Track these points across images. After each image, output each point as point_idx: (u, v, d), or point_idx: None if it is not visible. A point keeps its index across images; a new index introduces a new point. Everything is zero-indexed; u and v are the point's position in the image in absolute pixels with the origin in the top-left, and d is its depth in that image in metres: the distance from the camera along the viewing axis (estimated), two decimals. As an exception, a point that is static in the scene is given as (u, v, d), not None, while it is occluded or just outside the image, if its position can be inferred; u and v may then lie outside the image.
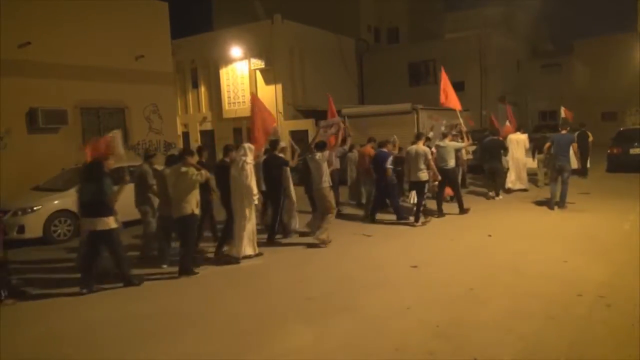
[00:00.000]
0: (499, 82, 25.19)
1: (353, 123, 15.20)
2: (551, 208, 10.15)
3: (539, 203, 11.01)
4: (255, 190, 7.32)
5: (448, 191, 10.86)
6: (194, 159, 7.04)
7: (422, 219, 9.50)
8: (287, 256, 7.76)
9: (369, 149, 10.65)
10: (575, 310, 4.86)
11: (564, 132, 10.67)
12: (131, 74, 14.56)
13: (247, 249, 7.46)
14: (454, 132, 11.22)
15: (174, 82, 18.83)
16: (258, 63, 21.24)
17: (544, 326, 4.53)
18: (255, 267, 7.22)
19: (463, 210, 10.24)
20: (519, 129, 13.39)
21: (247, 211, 7.33)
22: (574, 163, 10.74)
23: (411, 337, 4.44)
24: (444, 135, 10.71)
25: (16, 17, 12.09)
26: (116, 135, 6.95)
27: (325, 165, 8.34)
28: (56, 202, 9.61)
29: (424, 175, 9.37)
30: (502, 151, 12.22)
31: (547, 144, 10.86)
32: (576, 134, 12.88)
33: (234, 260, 7.31)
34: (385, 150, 9.91)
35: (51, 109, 12.55)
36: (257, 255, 7.58)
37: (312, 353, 4.28)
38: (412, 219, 9.56)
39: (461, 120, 11.23)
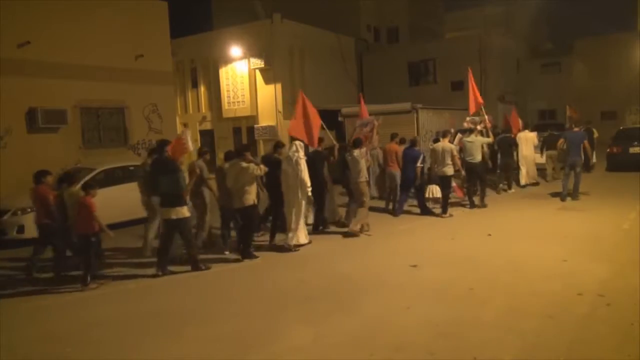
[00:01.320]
0: (498, 82, 25.17)
1: (353, 123, 15.17)
2: (563, 200, 10.91)
3: (544, 198, 11.08)
4: (309, 183, 7.90)
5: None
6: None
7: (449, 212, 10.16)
8: (288, 256, 7.76)
9: (395, 146, 10.81)
10: (575, 310, 4.86)
11: (576, 130, 11.56)
12: (131, 74, 14.55)
13: (301, 238, 8.03)
14: (479, 128, 11.67)
15: (174, 81, 18.80)
16: (257, 62, 21.21)
17: (544, 325, 4.53)
18: (256, 267, 7.22)
19: (473, 205, 10.81)
20: (526, 127, 14.14)
21: (300, 202, 7.92)
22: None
23: (411, 337, 4.44)
24: (471, 131, 11.31)
25: (16, 17, 12.08)
26: (185, 132, 7.59)
27: (363, 162, 8.88)
28: (56, 201, 9.59)
29: (449, 170, 10.03)
30: (513, 147, 12.94)
31: (561, 141, 11.67)
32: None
33: (289, 249, 7.88)
34: (416, 149, 10.55)
35: (50, 109, 12.53)
36: (309, 242, 8.16)
37: (312, 352, 4.28)
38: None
39: (486, 117, 12.01)
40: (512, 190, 12.80)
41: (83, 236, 6.54)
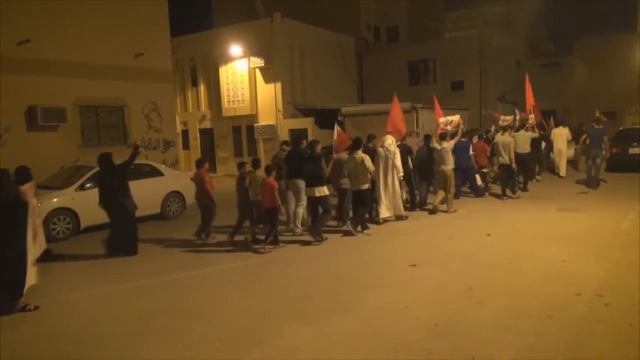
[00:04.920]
0: (498, 82, 25.17)
1: (352, 122, 15.20)
2: (589, 187, 12.59)
3: (544, 199, 11.07)
4: (401, 168, 9.58)
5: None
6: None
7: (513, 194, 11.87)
8: (287, 255, 7.77)
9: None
10: (573, 310, 4.87)
11: (597, 127, 13.08)
12: (131, 72, 14.55)
13: (397, 210, 9.68)
14: (527, 125, 13.71)
15: (174, 80, 18.81)
16: (257, 61, 21.20)
17: (543, 325, 4.54)
18: (254, 266, 7.23)
19: (526, 188, 12.58)
20: (560, 124, 15.72)
21: (394, 184, 9.53)
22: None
23: (410, 336, 4.44)
24: (521, 127, 13.32)
25: (16, 15, 12.08)
26: (337, 129, 9.71)
27: (450, 153, 10.51)
28: (55, 199, 9.58)
29: (508, 159, 11.68)
30: (543, 142, 14.70)
31: (584, 137, 13.98)
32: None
33: (403, 218, 9.77)
34: (464, 139, 11.93)
35: (50, 107, 12.54)
36: (399, 218, 9.76)
37: (311, 351, 4.28)
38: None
39: (532, 115, 14.00)
40: (539, 178, 14.64)
41: (267, 209, 7.95)
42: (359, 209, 9.04)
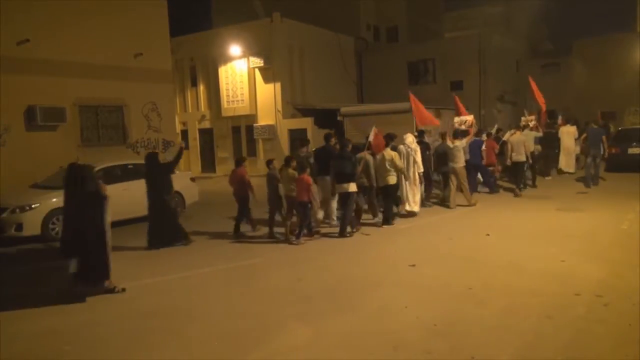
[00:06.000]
0: (498, 82, 25.17)
1: (352, 122, 15.20)
2: (587, 186, 12.83)
3: (543, 198, 11.07)
4: (422, 164, 10.15)
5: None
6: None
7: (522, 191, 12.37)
8: (287, 255, 7.77)
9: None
10: (572, 310, 4.87)
11: (595, 126, 13.77)
12: (130, 72, 14.54)
13: (414, 207, 10.09)
14: (530, 125, 14.43)
15: (173, 80, 18.80)
16: (257, 61, 21.21)
17: (542, 325, 4.54)
18: (254, 266, 7.23)
19: (535, 186, 13.23)
20: (568, 122, 16.16)
21: (415, 179, 9.99)
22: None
23: (409, 336, 4.44)
24: (524, 127, 13.98)
25: (15, 15, 12.07)
26: (375, 130, 9.80)
27: (462, 151, 10.96)
28: (54, 199, 9.54)
29: (522, 157, 12.34)
30: (555, 142, 15.30)
31: (583, 136, 14.47)
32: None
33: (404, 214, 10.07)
34: (477, 138, 12.61)
35: (49, 107, 12.52)
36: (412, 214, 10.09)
37: (310, 351, 4.28)
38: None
39: (533, 117, 14.86)
40: (550, 177, 15.10)
41: (301, 203, 8.41)
42: (385, 202, 9.60)
